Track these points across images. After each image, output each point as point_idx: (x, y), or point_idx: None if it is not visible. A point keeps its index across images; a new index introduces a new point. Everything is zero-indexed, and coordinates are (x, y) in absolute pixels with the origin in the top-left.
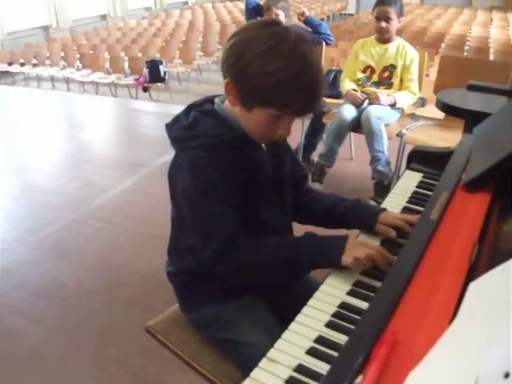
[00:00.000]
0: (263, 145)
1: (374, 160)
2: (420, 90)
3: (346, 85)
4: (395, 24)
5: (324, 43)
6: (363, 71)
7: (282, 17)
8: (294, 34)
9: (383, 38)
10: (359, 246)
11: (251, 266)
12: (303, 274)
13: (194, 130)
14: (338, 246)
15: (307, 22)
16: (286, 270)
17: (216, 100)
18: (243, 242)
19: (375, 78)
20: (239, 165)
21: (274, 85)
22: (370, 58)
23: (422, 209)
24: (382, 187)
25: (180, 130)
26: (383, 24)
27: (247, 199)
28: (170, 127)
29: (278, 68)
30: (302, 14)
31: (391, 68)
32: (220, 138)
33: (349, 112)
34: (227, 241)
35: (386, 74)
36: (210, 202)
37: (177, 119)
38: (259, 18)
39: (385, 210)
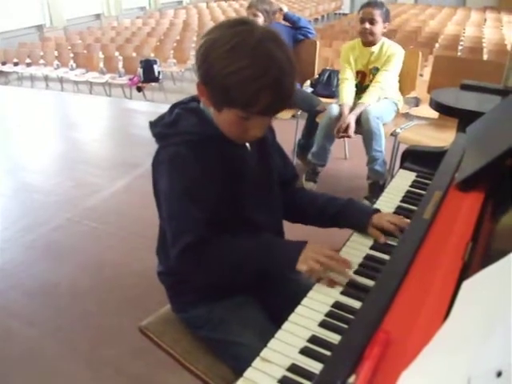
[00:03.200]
0: (247, 144)
1: (372, 160)
2: (414, 89)
3: (343, 95)
4: (380, 27)
5: (309, 37)
6: (356, 77)
7: (260, 19)
8: (259, 32)
9: (367, 41)
10: (316, 253)
11: (211, 267)
12: (263, 274)
13: (176, 127)
14: (295, 252)
15: (286, 18)
16: (244, 271)
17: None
18: (209, 242)
19: (367, 81)
20: (222, 164)
21: (235, 85)
22: (359, 62)
23: (415, 208)
24: (377, 187)
25: (163, 127)
26: (367, 25)
27: (231, 198)
28: (153, 124)
29: (239, 68)
30: (280, 10)
31: (375, 71)
32: (202, 135)
33: (339, 110)
34: (194, 242)
35: (371, 77)
36: (184, 202)
37: (161, 117)
38: None
39: (378, 210)
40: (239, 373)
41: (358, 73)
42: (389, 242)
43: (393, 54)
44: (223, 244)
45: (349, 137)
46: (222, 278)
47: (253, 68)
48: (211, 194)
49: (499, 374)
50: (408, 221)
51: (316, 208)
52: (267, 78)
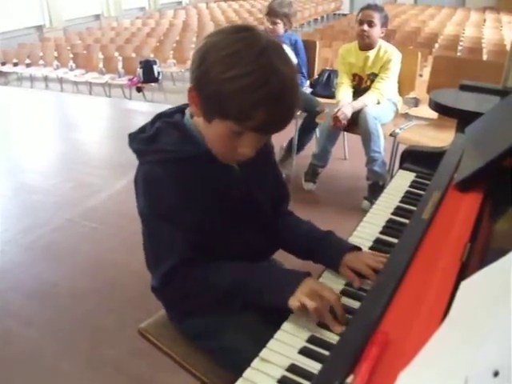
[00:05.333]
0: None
1: (371, 160)
2: (413, 89)
3: (340, 95)
4: (377, 30)
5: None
6: (352, 80)
7: (280, 25)
8: (264, 41)
9: (364, 44)
10: (313, 291)
11: (197, 294)
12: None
13: (154, 144)
14: (288, 286)
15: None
16: (232, 301)
17: (187, 111)
18: (194, 267)
19: (364, 85)
20: (203, 185)
21: (231, 93)
22: (355, 66)
23: (414, 208)
24: (377, 187)
25: (140, 143)
26: (365, 27)
27: (215, 219)
28: (132, 138)
29: (238, 75)
30: None
31: (373, 76)
32: (181, 154)
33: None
34: (175, 266)
35: (369, 82)
36: (161, 225)
37: (142, 129)
38: None
39: (357, 248)
40: (239, 375)
41: (354, 76)
42: (363, 287)
43: (390, 59)
44: (214, 267)
45: (341, 126)
46: (209, 304)
47: (253, 77)
48: (190, 217)
49: (496, 374)
50: (385, 260)
51: (295, 238)
52: (267, 89)
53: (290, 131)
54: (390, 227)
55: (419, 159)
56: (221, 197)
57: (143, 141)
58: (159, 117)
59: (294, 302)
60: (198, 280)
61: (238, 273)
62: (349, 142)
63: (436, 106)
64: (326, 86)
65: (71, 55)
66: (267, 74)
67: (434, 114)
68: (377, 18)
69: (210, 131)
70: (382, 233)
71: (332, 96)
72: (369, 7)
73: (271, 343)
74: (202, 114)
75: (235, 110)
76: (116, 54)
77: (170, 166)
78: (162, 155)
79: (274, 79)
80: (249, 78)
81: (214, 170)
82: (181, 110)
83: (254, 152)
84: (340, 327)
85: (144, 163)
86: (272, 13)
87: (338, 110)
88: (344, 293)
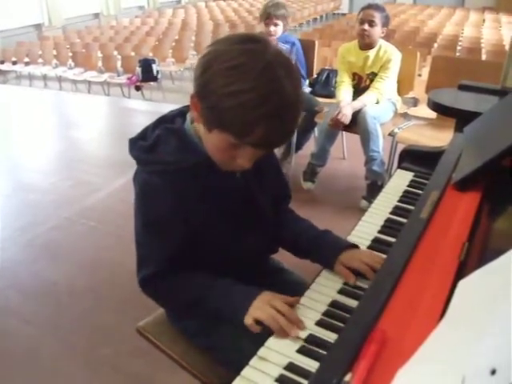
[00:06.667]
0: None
1: (370, 160)
2: (412, 89)
3: (341, 94)
4: (378, 30)
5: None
6: (352, 79)
7: (280, 27)
8: (270, 55)
9: (364, 43)
10: (266, 304)
11: (164, 304)
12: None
13: (152, 154)
14: (242, 306)
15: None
16: (195, 313)
17: (188, 116)
18: (165, 279)
19: (364, 85)
20: (203, 191)
21: (231, 108)
22: (355, 65)
23: (412, 208)
24: (376, 187)
25: (139, 151)
26: (366, 26)
27: (216, 225)
28: (132, 144)
29: (239, 90)
30: None
31: (372, 76)
32: (180, 164)
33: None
34: (150, 276)
35: (368, 82)
36: (147, 233)
37: (142, 135)
38: None
39: (354, 246)
40: (237, 373)
41: (354, 75)
42: (359, 285)
43: (389, 59)
44: (182, 282)
45: (339, 126)
46: (179, 311)
47: (254, 94)
48: (182, 226)
49: (493, 372)
50: (384, 257)
51: (292, 236)
52: (268, 107)
53: None
54: (389, 226)
55: (418, 159)
56: (222, 202)
57: (143, 149)
58: (160, 122)
59: (247, 321)
60: (165, 292)
61: (201, 291)
62: (347, 142)
63: (435, 105)
64: (324, 85)
65: (70, 54)
66: (269, 91)
67: (432, 114)
68: (378, 17)
69: (210, 140)
70: (380, 232)
71: (331, 95)
72: (370, 7)
73: (269, 342)
74: (203, 122)
75: (234, 124)
76: (115, 52)
77: (169, 176)
78: (161, 166)
79: (276, 97)
80: (250, 94)
81: (215, 176)
82: (182, 113)
83: (251, 164)
84: (297, 330)
85: (142, 171)
86: (272, 16)
87: (339, 113)
88: (342, 292)
